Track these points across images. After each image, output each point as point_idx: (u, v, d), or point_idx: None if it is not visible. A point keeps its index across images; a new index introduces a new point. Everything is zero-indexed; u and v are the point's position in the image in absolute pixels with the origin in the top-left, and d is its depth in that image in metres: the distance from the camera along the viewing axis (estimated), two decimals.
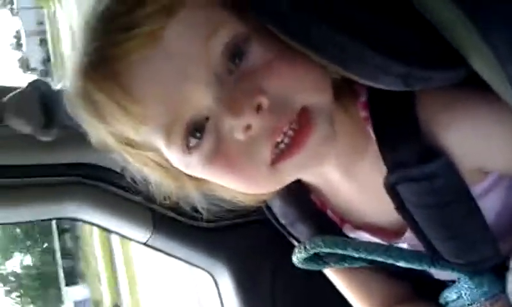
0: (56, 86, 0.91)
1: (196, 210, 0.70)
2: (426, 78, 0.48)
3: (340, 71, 0.51)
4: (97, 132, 0.60)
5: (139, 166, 0.63)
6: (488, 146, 0.58)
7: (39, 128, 0.91)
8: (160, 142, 0.57)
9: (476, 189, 0.60)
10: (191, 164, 0.58)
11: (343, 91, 0.60)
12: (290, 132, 0.54)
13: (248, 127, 0.53)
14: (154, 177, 0.65)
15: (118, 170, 0.97)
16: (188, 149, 0.56)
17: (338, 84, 0.59)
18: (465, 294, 0.67)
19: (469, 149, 0.57)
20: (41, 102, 0.91)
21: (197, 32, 0.53)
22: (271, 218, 0.78)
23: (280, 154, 0.55)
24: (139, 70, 0.53)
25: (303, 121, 0.54)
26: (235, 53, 0.53)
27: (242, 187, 0.60)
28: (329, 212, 0.72)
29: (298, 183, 0.71)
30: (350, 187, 0.67)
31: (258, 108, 0.52)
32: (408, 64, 0.47)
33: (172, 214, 1.12)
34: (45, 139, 0.92)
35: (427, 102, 0.56)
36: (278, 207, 0.76)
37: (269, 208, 0.77)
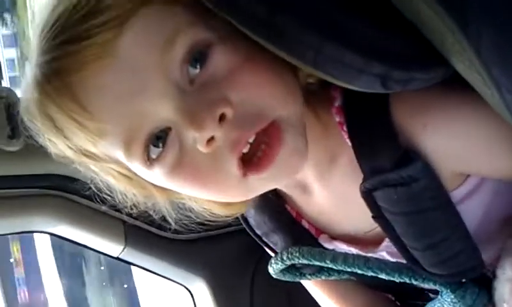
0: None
1: (166, 221, 0.67)
2: (405, 79, 0.46)
3: (315, 73, 0.48)
4: (55, 145, 0.57)
5: (103, 176, 0.61)
6: (468, 148, 0.55)
7: (4, 138, 0.87)
8: (120, 155, 0.54)
9: (455, 194, 0.58)
10: (154, 175, 0.55)
11: (317, 95, 0.58)
12: (263, 146, 0.52)
13: (211, 139, 0.50)
14: (119, 187, 0.62)
15: (87, 181, 0.93)
16: (149, 161, 0.53)
17: (311, 88, 0.57)
18: None
19: (447, 152, 0.55)
20: (6, 111, 0.88)
21: (153, 41, 0.49)
22: (247, 228, 0.76)
23: (251, 167, 0.53)
24: (93, 82, 0.50)
25: (273, 134, 0.52)
26: (196, 58, 0.50)
27: (209, 196, 0.58)
28: (304, 222, 0.70)
29: (274, 192, 0.69)
30: (325, 196, 0.64)
31: (221, 118, 0.50)
32: (387, 64, 0.45)
33: (145, 226, 1.09)
34: (10, 149, 0.88)
35: (402, 104, 0.54)
36: (252, 217, 0.73)
37: (245, 218, 0.75)
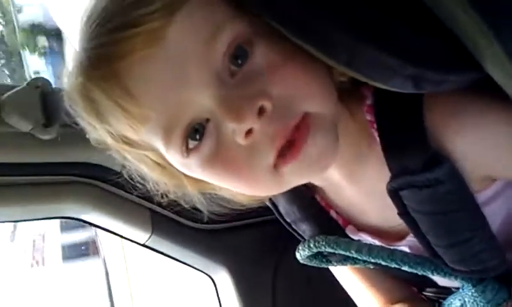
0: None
1: (196, 210, 0.69)
2: (438, 81, 0.47)
3: (349, 72, 0.49)
4: (95, 130, 0.59)
5: (137, 164, 0.63)
6: (497, 154, 0.56)
7: (39, 127, 0.90)
8: (159, 143, 0.55)
9: (481, 196, 0.59)
10: (190, 166, 0.57)
11: (349, 93, 0.59)
12: (292, 138, 0.53)
13: (250, 131, 0.51)
14: (152, 175, 0.64)
15: (118, 169, 0.96)
16: (187, 151, 0.55)
17: (344, 86, 0.58)
18: (469, 302, 0.65)
19: (477, 157, 0.55)
20: (41, 100, 0.91)
21: (199, 32, 0.51)
22: (277, 215, 0.77)
23: (281, 158, 0.54)
24: (139, 69, 0.51)
25: (302, 127, 0.53)
26: (237, 54, 0.52)
27: (243, 189, 0.59)
28: (332, 213, 0.71)
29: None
30: (353, 190, 0.66)
31: (260, 112, 0.51)
32: (421, 65, 0.46)
33: (171, 215, 1.11)
34: (44, 137, 0.91)
35: (435, 107, 0.54)
36: (282, 205, 0.75)
37: (275, 205, 0.77)
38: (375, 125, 0.58)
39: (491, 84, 0.46)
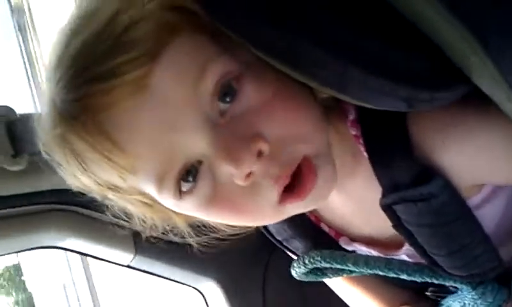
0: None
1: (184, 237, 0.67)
2: (429, 99, 0.46)
3: (341, 96, 0.47)
4: (76, 178, 0.56)
5: (122, 205, 0.60)
6: (487, 163, 0.55)
7: (7, 158, 0.86)
8: (150, 189, 0.53)
9: (473, 201, 0.58)
10: (185, 207, 0.55)
11: (331, 110, 0.57)
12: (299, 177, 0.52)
13: (250, 174, 0.50)
14: (138, 214, 0.61)
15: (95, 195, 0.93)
16: (181, 194, 0.52)
17: (326, 103, 0.56)
18: (469, 304, 0.65)
19: (467, 168, 0.55)
20: (7, 130, 0.86)
21: (184, 75, 0.48)
22: (267, 235, 0.76)
23: (287, 197, 0.53)
24: (124, 119, 0.48)
25: (306, 167, 0.52)
26: (226, 92, 0.49)
27: (243, 223, 0.58)
28: (323, 226, 0.70)
29: None
30: (343, 202, 0.64)
31: (258, 154, 0.49)
32: (412, 86, 0.44)
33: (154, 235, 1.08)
34: (13, 168, 0.87)
35: (420, 120, 0.54)
36: (272, 225, 0.73)
37: (264, 226, 0.75)
38: (361, 140, 0.57)
39: (477, 93, 0.45)
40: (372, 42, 0.44)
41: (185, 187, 0.52)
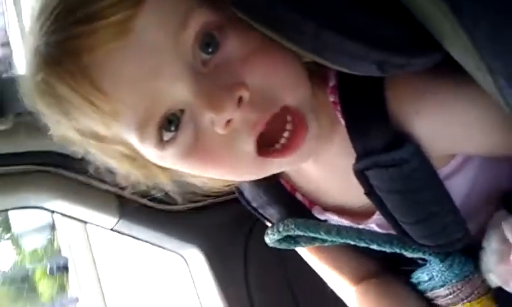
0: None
1: (167, 195, 0.68)
2: (402, 64, 0.46)
3: (316, 59, 0.48)
4: (59, 126, 0.56)
5: (104, 158, 0.60)
6: (460, 131, 0.56)
7: None
8: (132, 137, 0.54)
9: (443, 171, 0.60)
10: (167, 158, 0.55)
11: (313, 75, 0.58)
12: (286, 133, 0.53)
13: (229, 121, 0.50)
14: (121, 168, 0.62)
15: (79, 157, 0.94)
16: (162, 143, 0.53)
17: (308, 67, 0.57)
18: (436, 276, 0.67)
19: (439, 136, 0.56)
20: None
21: (167, 22, 0.49)
22: (243, 201, 0.77)
23: (273, 151, 0.54)
24: (108, 63, 0.48)
25: (297, 122, 0.53)
26: (208, 42, 0.50)
27: (222, 176, 0.58)
28: (298, 195, 0.71)
29: None
30: (318, 171, 0.65)
31: (239, 101, 0.50)
32: (385, 51, 0.45)
33: (138, 199, 1.09)
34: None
35: (396, 87, 0.55)
36: (248, 191, 0.75)
37: (240, 192, 0.76)
38: (338, 107, 0.58)
39: (451, 62, 0.46)
40: (346, 6, 0.45)
41: (166, 136, 0.52)
